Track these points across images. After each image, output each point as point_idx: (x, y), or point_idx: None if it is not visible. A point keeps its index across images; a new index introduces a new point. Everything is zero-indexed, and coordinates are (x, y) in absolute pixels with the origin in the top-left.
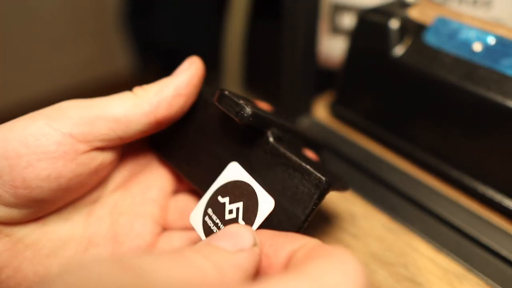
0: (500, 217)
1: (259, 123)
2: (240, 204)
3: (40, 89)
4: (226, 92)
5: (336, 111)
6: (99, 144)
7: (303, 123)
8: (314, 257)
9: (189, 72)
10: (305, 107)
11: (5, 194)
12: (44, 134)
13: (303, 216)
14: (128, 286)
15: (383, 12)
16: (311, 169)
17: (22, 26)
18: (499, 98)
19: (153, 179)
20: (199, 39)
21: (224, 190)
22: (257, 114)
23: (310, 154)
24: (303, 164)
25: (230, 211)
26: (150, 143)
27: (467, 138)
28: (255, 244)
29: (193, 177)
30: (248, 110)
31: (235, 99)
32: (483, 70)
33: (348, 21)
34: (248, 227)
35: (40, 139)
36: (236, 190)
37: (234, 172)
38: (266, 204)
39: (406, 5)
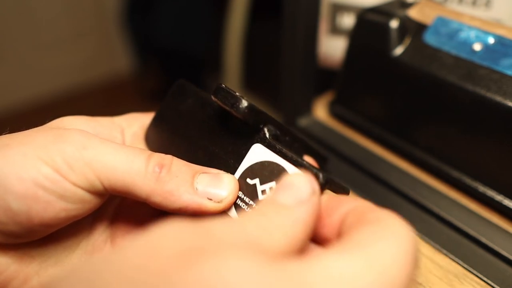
0: (500, 217)
1: (256, 117)
2: (273, 184)
3: (40, 89)
4: (223, 85)
5: (335, 110)
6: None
7: (303, 123)
8: (364, 224)
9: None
10: (305, 107)
11: (20, 230)
12: (59, 180)
13: None
14: (199, 242)
15: (383, 12)
16: (308, 165)
17: (22, 26)
18: (499, 98)
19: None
20: (199, 39)
21: (252, 172)
22: (253, 107)
23: (310, 161)
24: (299, 159)
25: (263, 191)
26: (146, 141)
27: (467, 138)
28: (313, 193)
29: None
30: (244, 101)
31: (231, 91)
32: (483, 70)
33: (348, 21)
34: (306, 174)
35: (57, 184)
36: (265, 170)
37: (258, 153)
38: None
39: (406, 5)
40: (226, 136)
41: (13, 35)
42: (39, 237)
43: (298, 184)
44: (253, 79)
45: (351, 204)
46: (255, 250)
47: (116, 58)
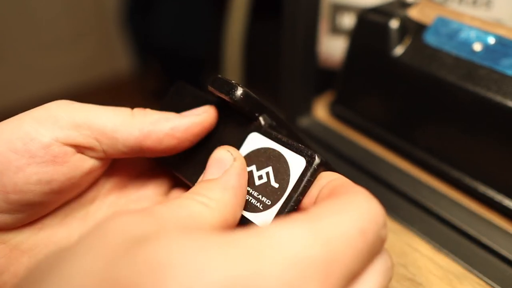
0: (500, 217)
1: (252, 104)
2: (269, 169)
3: (40, 89)
4: (219, 76)
5: (335, 110)
6: (86, 151)
7: (303, 123)
8: (332, 197)
9: (195, 119)
10: (305, 107)
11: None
12: (31, 139)
13: (295, 194)
14: (146, 223)
15: (383, 12)
16: (303, 146)
17: (22, 26)
18: (499, 98)
19: (148, 178)
20: (199, 39)
21: (248, 159)
22: (249, 94)
23: None
24: (295, 143)
25: (260, 177)
26: None
27: (467, 138)
28: (234, 159)
29: (188, 174)
30: (239, 88)
31: (228, 80)
32: (483, 70)
33: (348, 21)
34: (228, 147)
35: (28, 144)
36: (261, 157)
37: (254, 142)
38: (296, 163)
39: (406, 5)
40: (223, 129)
41: (13, 35)
42: (23, 216)
43: (220, 156)
44: (253, 79)
45: (330, 177)
46: (196, 227)
47: (116, 58)
